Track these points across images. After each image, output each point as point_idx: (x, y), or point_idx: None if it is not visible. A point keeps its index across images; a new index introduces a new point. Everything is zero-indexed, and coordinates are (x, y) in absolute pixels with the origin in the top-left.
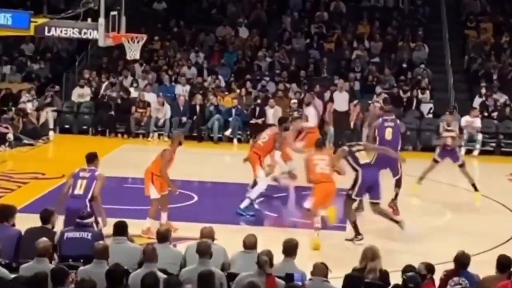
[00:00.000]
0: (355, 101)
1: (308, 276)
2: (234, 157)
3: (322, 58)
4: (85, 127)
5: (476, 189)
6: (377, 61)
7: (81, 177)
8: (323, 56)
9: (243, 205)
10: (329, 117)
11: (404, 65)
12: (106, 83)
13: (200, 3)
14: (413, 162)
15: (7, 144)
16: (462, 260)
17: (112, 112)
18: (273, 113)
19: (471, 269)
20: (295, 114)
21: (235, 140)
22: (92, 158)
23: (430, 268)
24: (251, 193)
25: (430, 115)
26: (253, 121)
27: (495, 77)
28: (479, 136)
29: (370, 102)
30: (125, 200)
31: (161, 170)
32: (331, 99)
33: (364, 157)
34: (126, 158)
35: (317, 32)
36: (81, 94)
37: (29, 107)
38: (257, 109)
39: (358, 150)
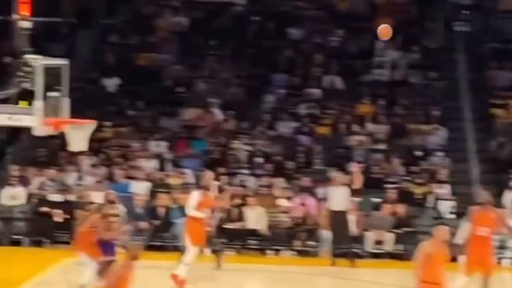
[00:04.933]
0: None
1: None
2: (207, 271)
3: (314, 146)
4: (18, 236)
5: None
6: (383, 148)
7: None
8: (316, 143)
9: None
10: (324, 219)
11: (417, 153)
12: (40, 179)
13: (161, 79)
14: None
15: None
16: None
17: (56, 218)
18: (254, 216)
19: None
20: None
21: (207, 250)
22: None
23: None
24: None
25: (451, 215)
26: (229, 225)
27: None
28: None
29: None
30: None
31: None
32: (326, 197)
33: None
34: (70, 277)
35: (307, 114)
36: (13, 196)
37: None
38: (234, 210)
39: None
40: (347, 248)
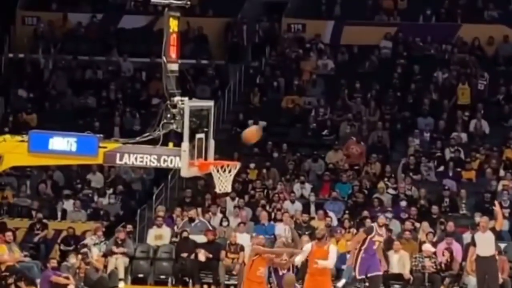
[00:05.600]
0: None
1: None
2: None
3: (460, 190)
4: (163, 276)
5: None
6: None
7: None
8: (461, 187)
9: None
10: (470, 264)
11: None
12: (185, 219)
13: (306, 122)
14: None
15: None
16: None
17: (200, 258)
18: (398, 260)
19: None
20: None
21: None
22: None
23: None
24: None
25: None
26: None
27: None
28: None
29: None
30: None
31: None
32: (473, 242)
33: None
34: None
35: (453, 158)
36: (158, 236)
37: (95, 252)
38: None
39: None
40: None
